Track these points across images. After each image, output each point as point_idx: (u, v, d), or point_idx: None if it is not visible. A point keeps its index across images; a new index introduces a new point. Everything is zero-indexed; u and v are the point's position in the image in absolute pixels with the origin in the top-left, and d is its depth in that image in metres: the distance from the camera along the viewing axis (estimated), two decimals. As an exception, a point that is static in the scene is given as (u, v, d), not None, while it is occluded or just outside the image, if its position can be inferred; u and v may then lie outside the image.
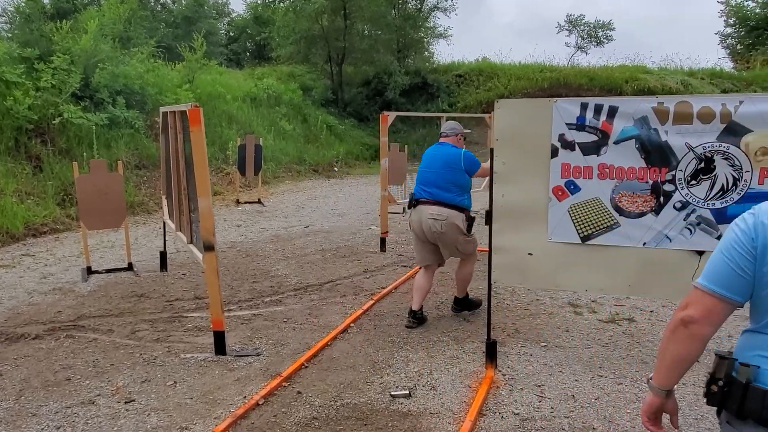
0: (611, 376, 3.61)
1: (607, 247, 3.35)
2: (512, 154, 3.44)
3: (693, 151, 3.12)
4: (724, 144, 3.06)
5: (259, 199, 10.80)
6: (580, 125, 3.28)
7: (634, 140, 3.20)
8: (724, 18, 33.62)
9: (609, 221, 3.32)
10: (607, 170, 3.28)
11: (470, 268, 4.66)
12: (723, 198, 3.12)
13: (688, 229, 3.19)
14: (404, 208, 9.52)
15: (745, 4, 32.41)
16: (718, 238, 3.07)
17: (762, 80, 18.91)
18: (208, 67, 14.15)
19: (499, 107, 3.40)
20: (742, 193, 3.08)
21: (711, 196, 3.13)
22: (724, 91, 18.56)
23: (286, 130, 14.90)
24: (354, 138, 18.00)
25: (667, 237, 3.23)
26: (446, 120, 7.14)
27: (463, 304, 4.81)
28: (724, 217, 3.13)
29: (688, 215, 3.18)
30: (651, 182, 3.21)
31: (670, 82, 18.68)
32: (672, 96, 3.15)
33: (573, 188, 3.36)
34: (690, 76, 19.48)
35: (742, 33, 33.06)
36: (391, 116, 6.93)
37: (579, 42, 26.62)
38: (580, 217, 3.36)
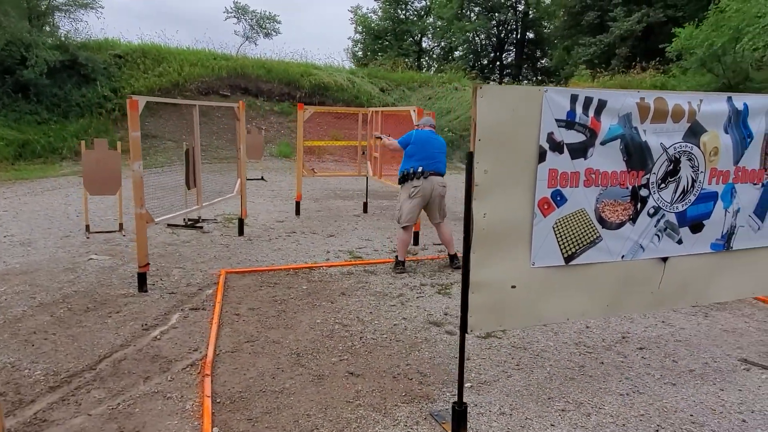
0: (583, 415, 3.18)
1: (589, 265, 2.87)
2: (496, 160, 2.58)
3: (666, 152, 2.88)
4: (688, 144, 2.92)
5: None
6: (569, 122, 2.67)
7: (619, 140, 2.78)
8: (354, 25, 38.38)
9: (592, 235, 2.83)
10: (593, 176, 2.77)
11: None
12: (684, 200, 3.00)
13: (657, 235, 2.98)
14: (121, 226, 7.25)
15: (369, 15, 37.72)
16: (678, 242, 2.93)
17: (407, 81, 22.07)
18: None
19: (483, 95, 2.48)
20: (697, 194, 3.02)
21: (675, 199, 2.97)
22: (382, 90, 20.95)
23: None
24: (-18, 131, 13.15)
25: (641, 246, 2.95)
26: (198, 107, 5.94)
27: (456, 258, 5.98)
28: (684, 219, 3.02)
29: (658, 221, 2.96)
30: (630, 187, 2.86)
31: (339, 79, 19.96)
32: (650, 91, 2.84)
33: (559, 200, 2.73)
34: (353, 74, 21.25)
35: (368, 40, 38.42)
36: (141, 101, 4.95)
37: (248, 32, 26.04)
38: (564, 234, 2.77)
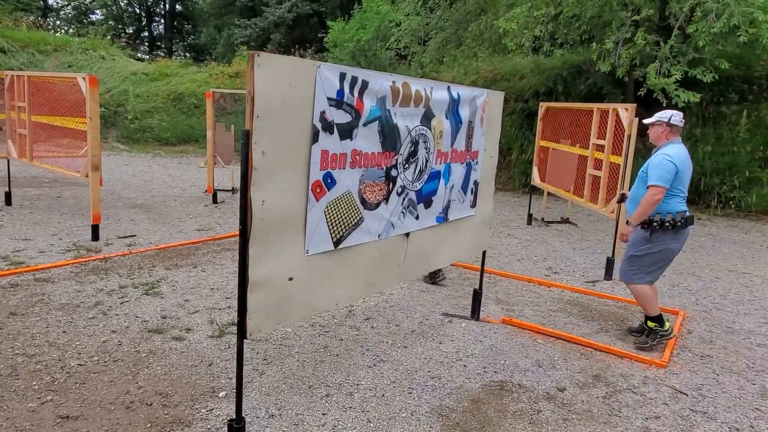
0: (347, 395, 3.16)
1: (354, 247, 2.86)
2: (273, 140, 2.28)
3: (410, 134, 3.09)
4: (424, 127, 3.20)
5: None
6: (339, 101, 2.56)
7: (377, 122, 2.82)
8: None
9: (356, 217, 2.83)
10: (358, 157, 2.75)
11: None
12: (420, 179, 3.28)
13: (403, 213, 3.19)
14: None
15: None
16: (417, 218, 3.26)
17: (36, 42, 18.18)
18: None
19: (261, 64, 2.13)
20: (429, 173, 3.35)
21: (414, 178, 3.23)
22: (3, 51, 16.73)
23: None
24: None
25: (392, 224, 3.11)
26: None
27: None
28: (420, 197, 3.32)
29: (404, 199, 3.16)
30: (385, 168, 2.96)
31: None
32: (397, 75, 2.94)
33: (330, 182, 2.62)
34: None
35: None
36: None
37: None
38: (334, 218, 2.69)
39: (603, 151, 5.78)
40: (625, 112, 5.34)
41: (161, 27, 34.45)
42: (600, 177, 5.84)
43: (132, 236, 6.29)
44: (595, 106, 6.08)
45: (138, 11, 33.82)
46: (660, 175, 3.67)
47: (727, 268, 6.27)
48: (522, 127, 11.61)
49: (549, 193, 8.12)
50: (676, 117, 3.85)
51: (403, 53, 14.62)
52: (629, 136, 5.25)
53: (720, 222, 8.67)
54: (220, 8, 27.07)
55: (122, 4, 32.88)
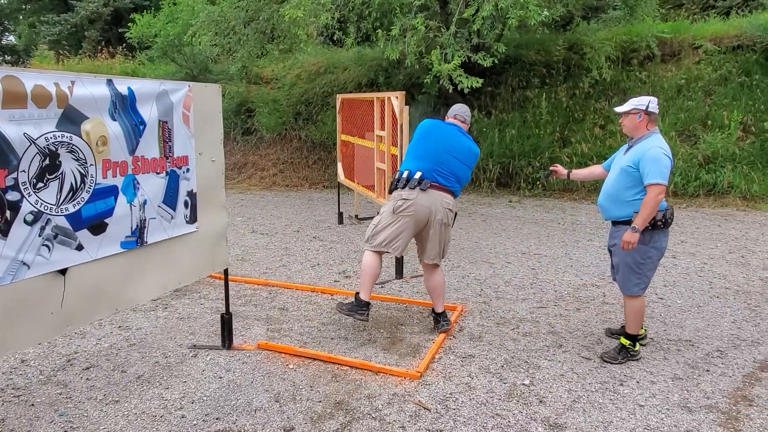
0: None
1: (-58, 304, 2.09)
2: None
3: (35, 144, 2.37)
4: (66, 134, 2.51)
5: None
6: None
7: (-46, 132, 2.07)
8: None
9: (-63, 264, 2.05)
10: None
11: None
12: (74, 200, 2.59)
13: (46, 246, 2.47)
14: None
15: None
16: (78, 248, 2.60)
17: None
18: None
19: None
20: (91, 191, 2.67)
21: (63, 199, 2.52)
22: None
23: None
24: None
25: (25, 263, 2.38)
26: None
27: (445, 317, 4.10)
28: (80, 221, 2.63)
29: (43, 229, 2.44)
30: (-10, 192, 2.21)
31: None
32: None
33: None
34: None
35: None
36: None
37: None
38: None
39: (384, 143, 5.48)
40: (396, 100, 5.04)
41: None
42: (385, 170, 5.53)
43: None
44: (374, 95, 5.76)
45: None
46: (662, 172, 3.28)
47: (521, 251, 6.32)
48: (345, 120, 11.25)
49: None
50: (653, 103, 3.46)
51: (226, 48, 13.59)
52: (401, 125, 4.96)
53: (528, 203, 8.95)
54: (22, 3, 23.79)
55: None
